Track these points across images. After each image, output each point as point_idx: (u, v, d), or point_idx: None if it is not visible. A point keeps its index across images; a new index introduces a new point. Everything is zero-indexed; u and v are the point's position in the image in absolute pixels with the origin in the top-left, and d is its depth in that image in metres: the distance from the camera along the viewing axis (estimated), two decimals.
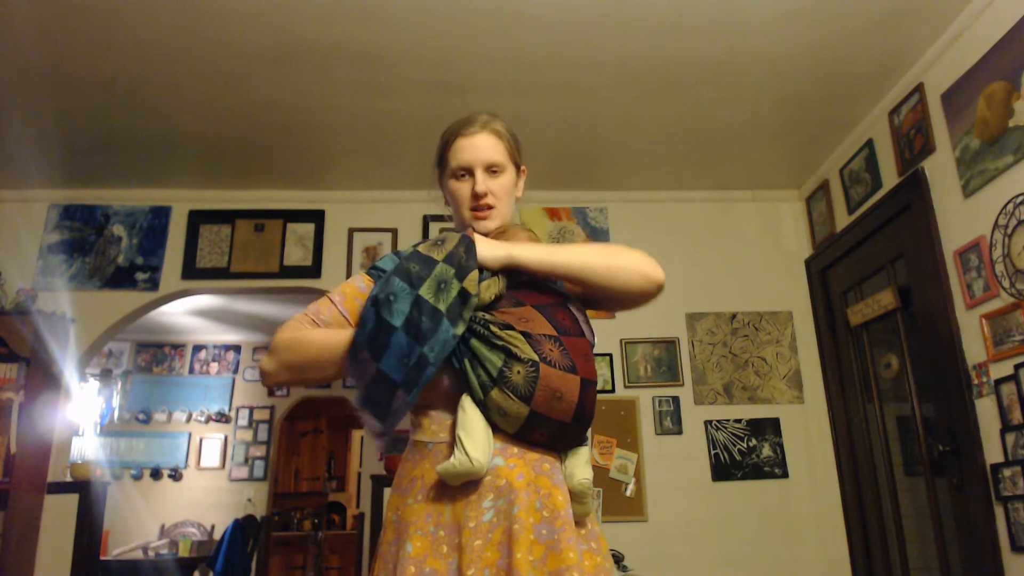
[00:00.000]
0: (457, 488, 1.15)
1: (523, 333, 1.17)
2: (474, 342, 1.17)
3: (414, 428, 1.26)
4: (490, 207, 1.36)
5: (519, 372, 1.14)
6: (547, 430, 1.16)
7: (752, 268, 3.84)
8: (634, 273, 1.25)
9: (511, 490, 1.13)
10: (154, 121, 3.19)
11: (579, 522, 1.20)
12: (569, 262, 1.24)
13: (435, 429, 1.21)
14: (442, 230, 3.75)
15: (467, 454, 1.11)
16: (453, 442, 1.16)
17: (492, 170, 1.37)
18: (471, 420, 1.15)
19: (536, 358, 1.14)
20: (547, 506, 1.13)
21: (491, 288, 1.22)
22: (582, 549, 1.15)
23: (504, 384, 1.14)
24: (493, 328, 1.17)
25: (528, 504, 1.13)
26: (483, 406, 1.16)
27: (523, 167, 1.46)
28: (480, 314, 1.20)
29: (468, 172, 1.36)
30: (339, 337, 1.21)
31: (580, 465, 1.22)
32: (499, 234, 1.35)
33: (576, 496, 1.19)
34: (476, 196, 1.35)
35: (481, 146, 1.36)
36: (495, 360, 1.15)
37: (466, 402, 1.17)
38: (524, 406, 1.14)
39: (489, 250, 1.24)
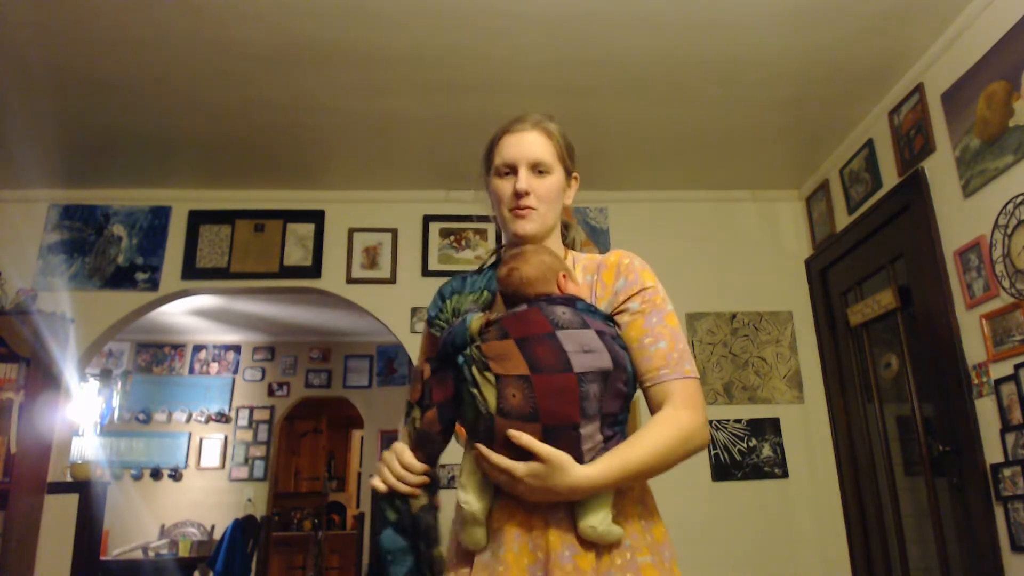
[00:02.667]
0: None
1: (496, 376, 1.10)
2: (464, 386, 1.14)
3: None
4: (531, 208, 1.28)
5: (482, 424, 1.11)
6: None
7: (752, 268, 3.84)
8: (687, 456, 1.18)
9: (502, 532, 1.13)
10: (154, 121, 3.19)
11: (615, 548, 1.12)
12: (640, 474, 1.15)
13: None
14: (442, 229, 3.77)
15: (459, 502, 1.15)
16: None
17: (538, 170, 1.30)
18: (464, 468, 1.18)
19: (493, 409, 1.09)
20: (540, 547, 1.11)
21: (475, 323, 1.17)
22: None
23: (475, 435, 1.14)
24: (474, 371, 1.12)
25: (519, 545, 1.11)
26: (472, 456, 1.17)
27: (575, 174, 1.39)
28: (473, 350, 1.14)
29: (512, 169, 1.30)
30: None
31: (588, 507, 1.11)
32: (512, 257, 1.24)
33: (589, 540, 1.10)
34: (517, 195, 1.28)
35: (528, 143, 1.31)
36: (470, 413, 1.13)
37: (464, 454, 1.19)
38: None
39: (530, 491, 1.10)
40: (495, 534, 1.14)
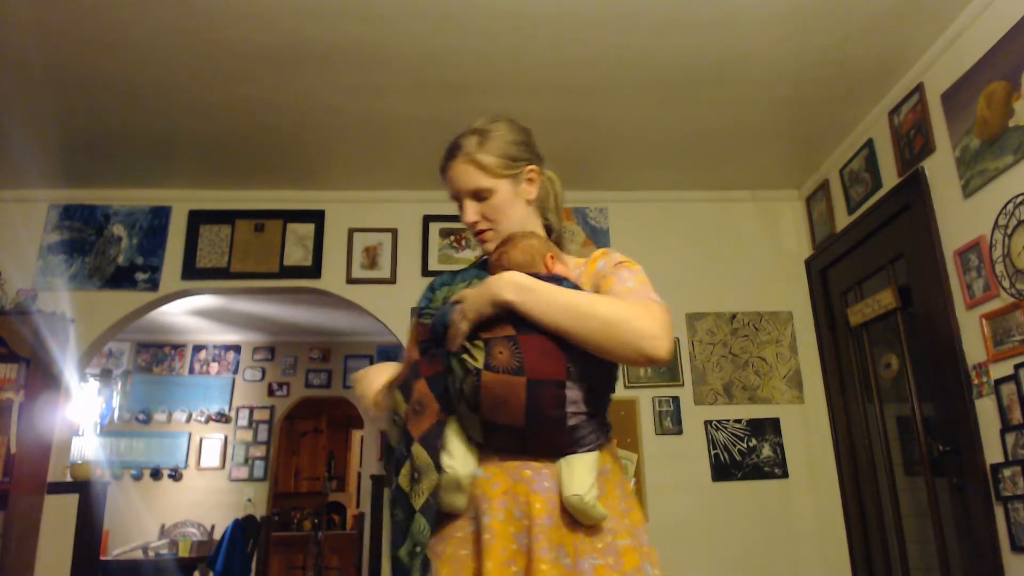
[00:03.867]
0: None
1: (485, 340, 1.16)
2: (452, 360, 1.19)
3: None
4: (484, 231, 1.38)
5: (468, 383, 1.14)
6: (506, 436, 1.15)
7: (752, 268, 3.84)
8: (626, 347, 1.13)
9: (485, 499, 1.14)
10: (154, 121, 3.19)
11: (596, 532, 1.14)
12: (550, 321, 1.15)
13: None
14: (442, 230, 3.76)
15: (443, 466, 1.15)
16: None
17: (478, 196, 1.37)
18: (448, 435, 1.19)
19: (480, 365, 1.13)
20: (526, 514, 1.12)
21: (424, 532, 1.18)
22: (593, 563, 1.11)
23: (461, 397, 1.16)
24: (464, 342, 1.17)
25: (506, 512, 1.13)
26: (458, 420, 1.19)
27: (530, 168, 1.41)
28: None
29: (460, 201, 1.39)
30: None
31: (573, 476, 1.14)
32: (503, 243, 1.34)
33: (572, 512, 1.13)
34: (467, 225, 1.39)
35: (458, 178, 1.38)
36: (459, 373, 1.16)
37: (449, 420, 1.20)
38: (474, 416, 1.15)
39: (476, 294, 1.19)
40: (477, 500, 1.15)
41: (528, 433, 1.14)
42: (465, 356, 1.15)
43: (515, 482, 1.15)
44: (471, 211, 1.37)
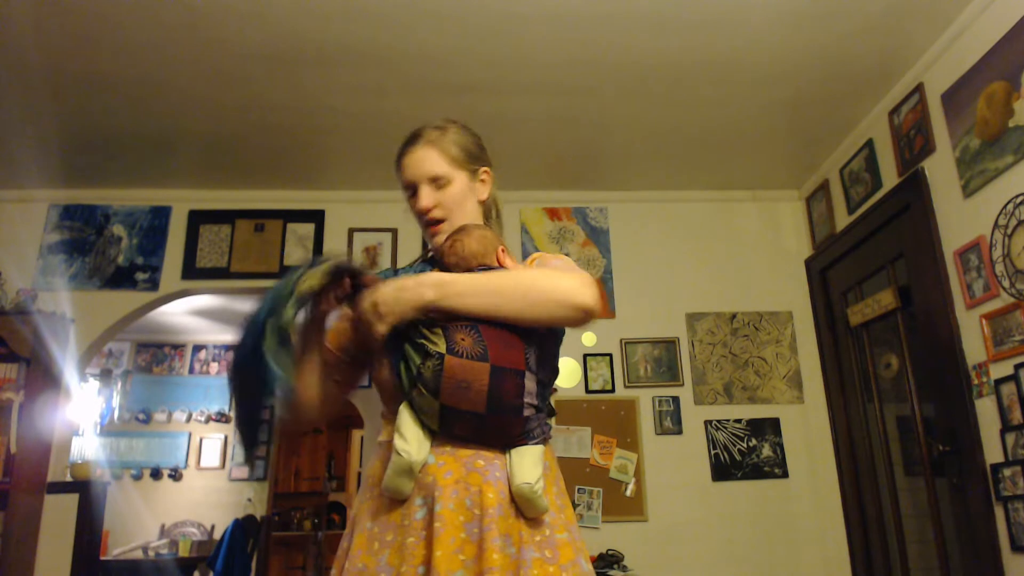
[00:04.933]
0: None
1: (443, 326, 1.16)
2: (406, 345, 1.17)
3: (381, 431, 1.30)
4: (438, 221, 1.36)
5: (428, 367, 1.13)
6: (464, 423, 1.15)
7: (752, 268, 3.84)
8: (553, 305, 1.16)
9: (436, 487, 1.13)
10: (154, 121, 3.19)
11: (535, 525, 1.16)
12: (478, 307, 1.16)
13: (389, 429, 1.25)
14: None
15: (397, 451, 1.14)
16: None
17: (437, 183, 1.36)
18: (402, 419, 1.17)
19: (443, 350, 1.13)
20: (477, 504, 1.13)
21: (309, 280, 1.19)
22: (531, 556, 1.12)
23: (419, 381, 1.14)
24: (422, 328, 1.16)
25: (457, 501, 1.13)
26: (411, 404, 1.17)
27: (484, 169, 1.43)
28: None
29: (414, 189, 1.37)
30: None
31: (524, 466, 1.16)
32: (456, 232, 1.33)
33: (520, 502, 1.14)
34: (421, 212, 1.36)
35: (419, 161, 1.37)
36: (415, 358, 1.15)
37: (403, 405, 1.19)
38: (434, 400, 1.13)
39: (396, 299, 1.16)
40: (429, 488, 1.14)
41: (487, 421, 1.15)
42: (423, 341, 1.15)
43: (468, 471, 1.15)
44: (428, 197, 1.35)
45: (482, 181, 1.43)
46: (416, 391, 1.15)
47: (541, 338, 1.22)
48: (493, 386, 1.13)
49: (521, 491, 1.14)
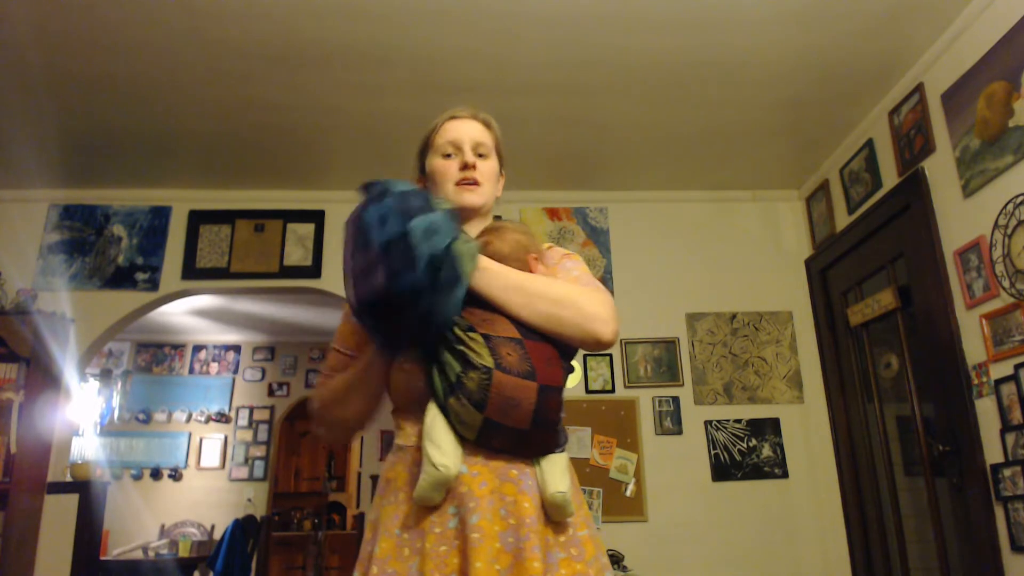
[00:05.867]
0: None
1: (484, 335, 1.14)
2: (439, 346, 1.16)
3: (395, 432, 1.28)
4: (477, 182, 1.35)
5: (473, 378, 1.11)
6: (505, 438, 1.14)
7: (752, 268, 3.84)
8: (577, 329, 1.18)
9: (472, 498, 1.12)
10: (154, 121, 3.19)
11: (560, 528, 1.17)
12: (507, 301, 1.18)
13: (409, 432, 1.23)
14: None
15: (434, 463, 1.11)
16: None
17: (479, 152, 1.38)
18: (436, 427, 1.14)
19: (491, 364, 1.12)
20: (512, 514, 1.12)
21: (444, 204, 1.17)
22: (558, 557, 1.13)
23: (460, 391, 1.12)
24: (457, 331, 1.15)
25: (491, 512, 1.12)
26: (445, 412, 1.14)
27: (503, 172, 1.46)
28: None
29: (457, 149, 1.36)
30: (344, 377, 1.28)
31: (555, 475, 1.17)
32: (490, 231, 1.31)
33: (551, 509, 1.15)
34: (464, 167, 1.34)
35: (469, 126, 1.39)
36: (455, 365, 1.13)
37: (431, 409, 1.15)
38: (478, 414, 1.11)
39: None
40: (463, 498, 1.13)
41: (528, 435, 1.14)
42: (464, 349, 1.13)
43: (502, 482, 1.14)
44: (472, 156, 1.36)
45: (502, 176, 1.46)
46: (457, 401, 1.12)
47: (571, 353, 1.23)
48: (540, 404, 1.13)
49: (555, 500, 1.15)
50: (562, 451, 1.22)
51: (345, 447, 8.77)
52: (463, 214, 1.31)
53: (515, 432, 1.13)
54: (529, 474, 1.16)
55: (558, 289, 1.22)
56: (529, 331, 1.18)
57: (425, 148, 1.42)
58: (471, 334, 1.14)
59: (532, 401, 1.12)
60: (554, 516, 1.16)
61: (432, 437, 1.13)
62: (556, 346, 1.19)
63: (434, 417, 1.15)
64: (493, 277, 1.19)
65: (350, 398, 1.27)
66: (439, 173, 1.36)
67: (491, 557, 1.08)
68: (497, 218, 1.42)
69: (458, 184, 1.34)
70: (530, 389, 1.12)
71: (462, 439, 1.14)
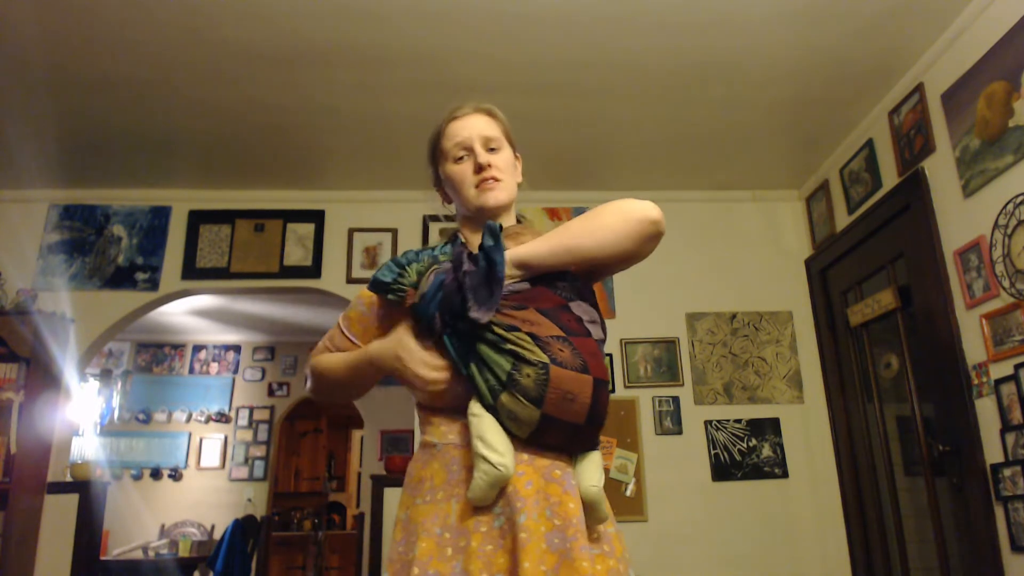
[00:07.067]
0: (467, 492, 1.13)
1: (530, 335, 1.14)
2: (480, 346, 1.15)
3: (423, 428, 1.26)
4: (496, 179, 1.31)
5: (528, 375, 1.11)
6: (560, 433, 1.13)
7: (752, 268, 3.84)
8: (635, 223, 1.21)
9: (518, 498, 1.11)
10: (154, 121, 3.19)
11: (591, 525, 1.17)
12: (556, 250, 1.21)
13: (444, 430, 1.21)
14: (442, 230, 3.77)
15: (491, 463, 1.09)
16: (461, 443, 1.17)
17: (490, 148, 1.34)
18: (487, 426, 1.12)
19: (546, 359, 1.11)
20: (558, 514, 1.10)
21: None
22: (592, 553, 1.13)
23: (514, 387, 1.11)
24: (499, 331, 1.14)
25: (538, 512, 1.10)
26: (493, 411, 1.13)
27: (518, 155, 1.42)
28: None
29: (467, 150, 1.33)
30: (341, 360, 1.33)
31: (591, 470, 1.17)
32: (510, 235, 1.28)
33: (588, 504, 1.15)
34: (479, 168, 1.30)
35: (474, 122, 1.35)
36: (503, 363, 1.12)
37: (476, 408, 1.14)
38: (535, 409, 1.11)
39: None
40: (509, 497, 1.11)
41: (582, 431, 1.15)
42: (513, 347, 1.13)
43: (547, 482, 1.13)
44: (484, 154, 1.32)
45: (518, 159, 1.42)
46: (511, 398, 1.11)
47: (602, 344, 1.25)
48: (595, 398, 1.14)
49: (590, 493, 1.15)
50: (596, 448, 1.22)
51: (346, 447, 8.78)
52: (491, 214, 1.31)
53: (570, 427, 1.13)
54: (571, 474, 1.15)
55: (590, 214, 1.24)
56: (571, 331, 1.18)
57: (435, 155, 1.39)
58: (516, 334, 1.14)
59: (588, 395, 1.13)
60: (590, 512, 1.15)
61: (484, 437, 1.11)
62: (599, 342, 1.22)
63: (484, 417, 1.13)
64: (538, 248, 1.22)
65: (347, 391, 1.38)
66: (456, 180, 1.33)
67: (538, 558, 1.07)
68: (520, 219, 1.40)
69: (478, 187, 1.31)
70: (586, 383, 1.13)
71: (512, 437, 1.13)
